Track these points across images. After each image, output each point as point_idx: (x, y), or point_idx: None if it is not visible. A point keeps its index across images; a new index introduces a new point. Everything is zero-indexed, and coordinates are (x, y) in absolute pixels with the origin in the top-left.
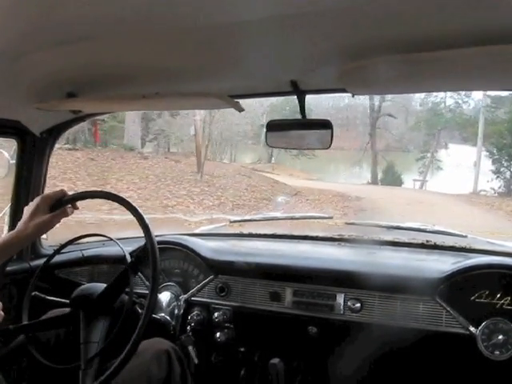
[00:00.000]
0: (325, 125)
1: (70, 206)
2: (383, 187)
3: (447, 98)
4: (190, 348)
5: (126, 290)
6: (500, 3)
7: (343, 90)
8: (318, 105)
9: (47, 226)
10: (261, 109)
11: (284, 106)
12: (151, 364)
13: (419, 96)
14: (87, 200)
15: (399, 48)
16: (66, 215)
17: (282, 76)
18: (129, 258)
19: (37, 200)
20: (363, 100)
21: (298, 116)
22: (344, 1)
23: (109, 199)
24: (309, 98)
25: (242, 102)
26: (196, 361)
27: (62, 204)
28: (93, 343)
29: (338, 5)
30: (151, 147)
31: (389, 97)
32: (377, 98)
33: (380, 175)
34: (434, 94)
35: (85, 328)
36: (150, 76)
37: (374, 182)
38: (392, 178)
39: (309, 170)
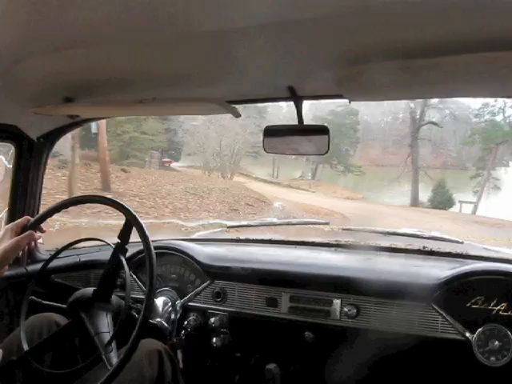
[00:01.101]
0: (322, 130)
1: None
2: (424, 211)
3: (507, 108)
4: (179, 352)
5: (121, 274)
6: (498, 10)
7: (340, 96)
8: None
9: (14, 249)
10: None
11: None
12: (143, 363)
13: (472, 102)
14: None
15: (396, 54)
16: (33, 238)
17: (279, 82)
18: (125, 263)
19: (2, 231)
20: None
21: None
22: (341, 7)
23: (104, 204)
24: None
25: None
26: (181, 365)
27: (26, 229)
28: (104, 333)
29: (335, 11)
30: None
31: (433, 101)
32: (418, 104)
33: (423, 196)
34: (492, 103)
35: (91, 324)
36: (148, 81)
37: (415, 203)
38: (439, 200)
39: (354, 187)
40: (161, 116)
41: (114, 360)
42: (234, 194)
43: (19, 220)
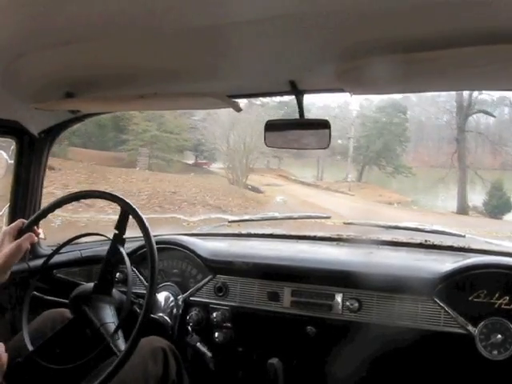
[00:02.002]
0: (323, 124)
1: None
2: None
3: None
4: (199, 345)
5: (121, 268)
6: (498, 3)
7: (341, 90)
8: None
9: (16, 253)
10: (349, 119)
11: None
12: (148, 361)
13: None
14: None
15: (397, 48)
16: (32, 239)
17: (280, 76)
18: (127, 258)
19: (0, 235)
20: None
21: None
22: (342, 1)
23: (109, 200)
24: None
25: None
26: (210, 354)
27: (23, 231)
28: (109, 323)
29: (335, 5)
30: None
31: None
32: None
33: (474, 200)
34: None
35: (95, 316)
36: (149, 76)
37: (462, 210)
38: (495, 206)
39: (403, 190)
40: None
41: (122, 346)
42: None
43: (14, 223)
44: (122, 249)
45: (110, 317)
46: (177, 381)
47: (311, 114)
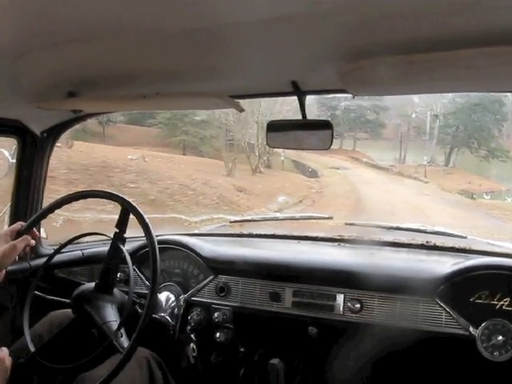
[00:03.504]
0: (325, 125)
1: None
2: None
3: None
4: (188, 348)
5: (123, 267)
6: (500, 5)
7: (344, 91)
8: None
9: (11, 253)
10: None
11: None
12: (134, 371)
13: None
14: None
15: (399, 49)
16: (28, 242)
17: (282, 76)
18: (129, 258)
19: None
20: None
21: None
22: (344, 2)
23: (108, 199)
24: None
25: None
26: (192, 360)
27: (20, 234)
28: (111, 321)
29: (338, 5)
30: None
31: None
32: None
33: None
34: None
35: (97, 315)
36: (151, 76)
37: None
38: None
39: (499, 177)
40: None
41: (126, 344)
42: None
43: (12, 226)
44: (123, 247)
45: (112, 315)
46: None
47: None
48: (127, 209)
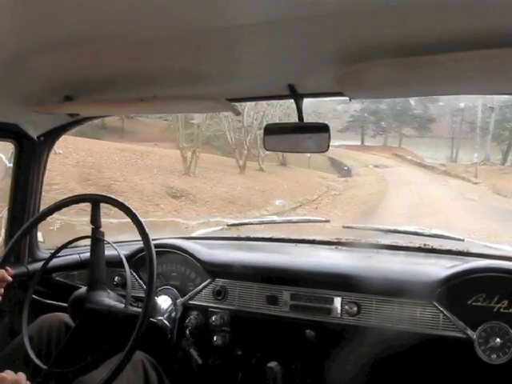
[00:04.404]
0: (322, 128)
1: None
2: None
3: None
4: (192, 350)
5: (120, 271)
6: (498, 7)
7: (340, 94)
8: None
9: None
10: None
11: None
12: (129, 374)
13: None
14: None
15: (396, 52)
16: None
17: (279, 80)
18: (125, 262)
19: None
20: None
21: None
22: (341, 5)
23: (107, 203)
24: None
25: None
26: (200, 361)
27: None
28: (116, 304)
29: (335, 9)
30: None
31: None
32: None
33: None
34: None
35: (100, 305)
36: (148, 79)
37: None
38: None
39: None
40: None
41: (139, 309)
42: None
43: None
44: (106, 240)
45: (113, 301)
46: None
47: None
48: (97, 203)
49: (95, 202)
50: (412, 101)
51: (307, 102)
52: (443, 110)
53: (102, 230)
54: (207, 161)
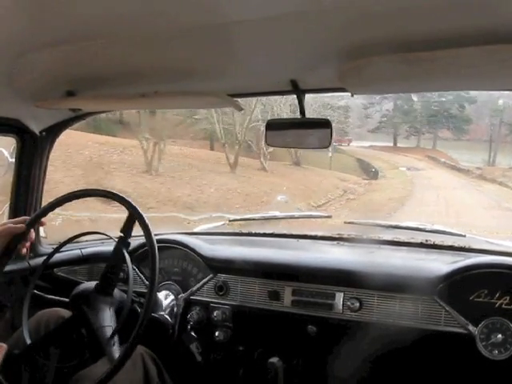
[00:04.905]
0: (324, 124)
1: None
2: None
3: None
4: (193, 346)
5: (122, 266)
6: (499, 3)
7: (343, 90)
8: None
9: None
10: None
11: None
12: (129, 368)
13: None
14: None
15: (398, 47)
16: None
17: (281, 75)
18: (127, 257)
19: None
20: None
21: None
22: (343, 1)
23: (108, 198)
24: None
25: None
26: (199, 358)
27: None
28: (106, 327)
29: (337, 4)
30: None
31: None
32: None
33: None
34: None
35: (94, 317)
36: (149, 75)
37: None
38: None
39: None
40: None
41: (116, 354)
42: None
43: (17, 219)
44: (125, 252)
45: (108, 320)
46: (160, 382)
47: None
48: (133, 214)
49: (131, 215)
50: (447, 101)
51: (334, 98)
52: (481, 110)
53: (129, 241)
54: (192, 156)
